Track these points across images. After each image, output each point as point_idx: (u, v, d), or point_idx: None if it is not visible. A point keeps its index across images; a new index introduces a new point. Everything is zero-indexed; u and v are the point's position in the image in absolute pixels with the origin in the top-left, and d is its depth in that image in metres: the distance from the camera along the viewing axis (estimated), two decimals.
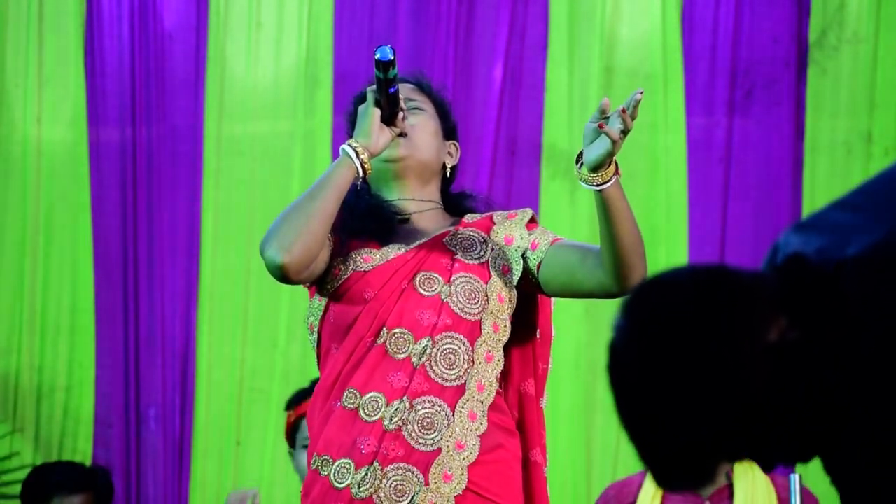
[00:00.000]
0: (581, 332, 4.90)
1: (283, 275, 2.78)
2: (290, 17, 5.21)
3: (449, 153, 3.09)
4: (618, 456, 4.90)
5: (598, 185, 2.78)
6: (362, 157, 2.83)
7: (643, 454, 1.59)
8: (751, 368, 1.52)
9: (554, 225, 5.01)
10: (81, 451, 5.16)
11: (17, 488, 4.77)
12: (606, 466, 4.91)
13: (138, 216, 5.21)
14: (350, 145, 2.84)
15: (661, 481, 1.62)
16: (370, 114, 2.86)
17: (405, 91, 3.00)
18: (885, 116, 4.90)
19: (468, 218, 3.02)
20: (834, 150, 4.94)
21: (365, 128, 2.86)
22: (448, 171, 3.08)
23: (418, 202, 3.00)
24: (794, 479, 3.36)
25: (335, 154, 5.15)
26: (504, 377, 2.98)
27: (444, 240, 2.94)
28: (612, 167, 2.82)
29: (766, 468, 1.66)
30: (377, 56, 2.80)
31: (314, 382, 4.15)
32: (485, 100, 5.09)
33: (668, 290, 1.58)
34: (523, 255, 2.95)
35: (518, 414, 2.99)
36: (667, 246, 4.94)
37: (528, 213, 3.04)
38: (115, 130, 5.26)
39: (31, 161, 5.26)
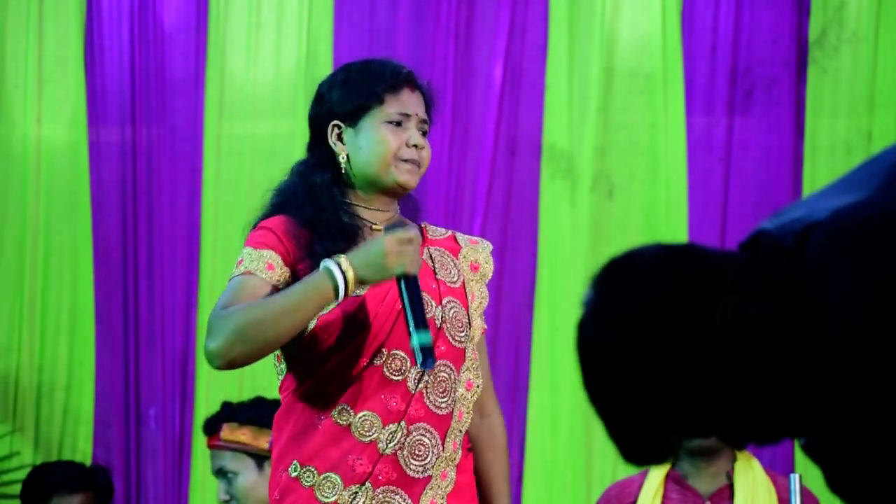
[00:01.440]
0: None
1: (225, 369, 2.76)
2: (290, 17, 5.21)
3: None
4: (618, 456, 4.89)
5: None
6: (348, 290, 2.72)
7: (610, 430, 1.61)
8: (714, 344, 1.53)
9: (554, 225, 5.02)
10: (81, 451, 5.16)
11: (17, 488, 4.77)
12: (606, 466, 4.91)
13: (138, 216, 5.21)
14: (344, 272, 2.72)
15: (626, 457, 1.64)
16: (381, 251, 2.73)
17: (422, 106, 2.98)
18: (885, 116, 4.90)
19: (430, 233, 3.02)
20: (834, 150, 4.94)
21: (372, 261, 2.73)
22: None
23: (391, 212, 2.98)
24: (795, 478, 3.36)
25: None
26: None
27: (423, 257, 2.93)
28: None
29: (736, 445, 1.67)
30: (417, 345, 2.72)
31: (225, 405, 4.17)
32: (485, 100, 5.09)
33: (636, 267, 1.60)
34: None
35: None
36: None
37: (489, 243, 3.07)
38: (115, 130, 5.26)
39: (31, 161, 5.26)
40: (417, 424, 2.84)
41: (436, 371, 2.86)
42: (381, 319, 2.84)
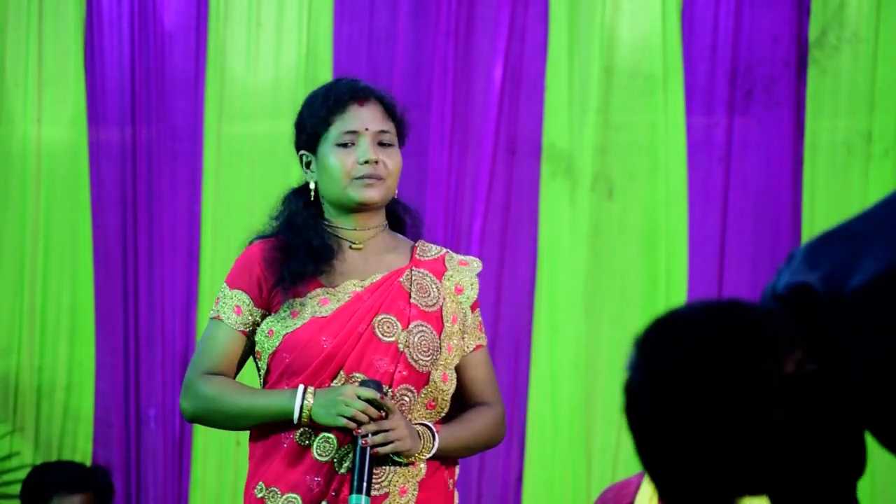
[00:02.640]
0: (581, 333, 4.90)
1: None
2: (290, 17, 5.21)
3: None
4: (618, 456, 4.90)
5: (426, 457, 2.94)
6: (303, 415, 2.86)
7: (665, 493, 1.58)
8: (769, 403, 1.50)
9: (554, 225, 5.02)
10: (81, 450, 5.16)
11: (17, 488, 4.77)
12: (606, 466, 4.91)
13: (138, 216, 5.21)
14: (303, 405, 2.85)
15: None
16: (335, 399, 2.84)
17: (377, 117, 3.01)
18: (885, 116, 4.90)
19: (420, 253, 3.05)
20: (834, 150, 4.94)
21: (326, 403, 2.84)
22: None
23: (372, 230, 3.03)
24: None
25: None
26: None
27: (401, 279, 2.97)
28: (424, 451, 2.94)
29: None
30: None
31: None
32: (485, 100, 5.09)
33: (681, 326, 1.57)
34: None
35: None
36: (667, 246, 4.94)
37: (478, 263, 3.09)
38: (115, 130, 5.26)
39: (31, 161, 5.26)
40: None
41: (397, 395, 2.91)
42: (340, 342, 2.88)
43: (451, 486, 3.07)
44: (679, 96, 4.99)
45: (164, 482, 5.16)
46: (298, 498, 2.87)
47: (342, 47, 5.17)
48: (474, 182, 5.07)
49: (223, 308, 2.98)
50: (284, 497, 2.89)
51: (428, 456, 2.92)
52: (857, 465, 1.59)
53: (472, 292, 3.04)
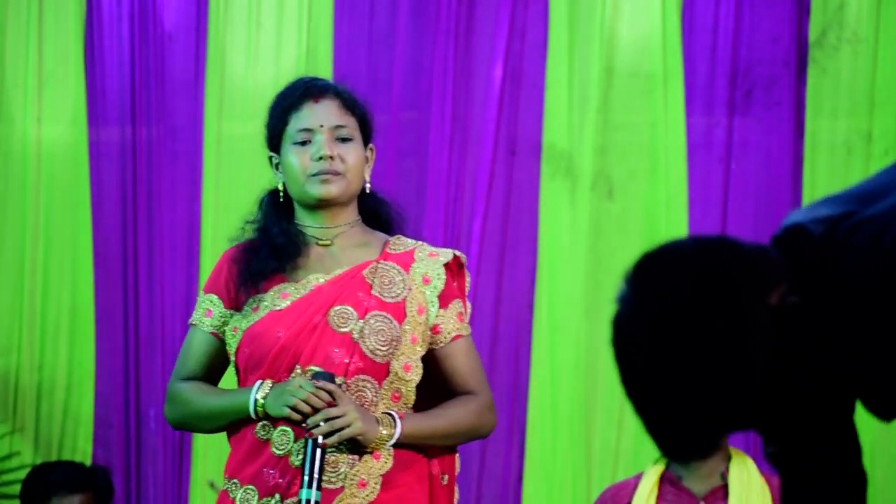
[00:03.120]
0: (581, 332, 4.90)
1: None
2: (290, 17, 5.21)
3: (367, 158, 3.09)
4: (618, 456, 4.90)
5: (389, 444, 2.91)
6: (258, 409, 2.89)
7: (650, 426, 1.60)
8: (754, 334, 1.52)
9: (554, 225, 5.02)
10: (81, 450, 5.16)
11: (16, 488, 4.77)
12: (606, 466, 4.91)
13: (138, 216, 5.21)
14: (257, 398, 2.89)
15: (668, 452, 1.62)
16: (283, 390, 2.86)
17: (333, 112, 3.00)
18: (885, 116, 4.90)
19: (392, 247, 3.04)
20: (834, 150, 4.94)
21: (276, 394, 2.87)
22: (366, 179, 3.09)
23: (341, 226, 3.03)
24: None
25: None
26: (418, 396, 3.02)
27: (365, 272, 2.98)
28: (384, 437, 2.91)
29: (780, 442, 1.66)
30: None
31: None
32: (485, 100, 5.09)
33: (672, 262, 1.59)
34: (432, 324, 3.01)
35: None
36: None
37: (449, 253, 3.06)
38: (115, 130, 5.26)
39: (31, 161, 5.26)
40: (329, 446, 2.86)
41: (354, 386, 2.90)
42: (295, 333, 2.90)
43: (444, 481, 3.04)
44: (679, 96, 4.99)
45: (164, 482, 5.16)
46: (255, 490, 2.88)
47: (342, 47, 5.17)
48: (474, 182, 5.07)
49: (197, 313, 3.05)
50: (243, 489, 2.90)
51: (390, 443, 2.89)
52: (848, 398, 1.60)
53: (438, 282, 3.01)
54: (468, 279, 3.15)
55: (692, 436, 1.59)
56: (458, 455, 3.14)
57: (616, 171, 5.03)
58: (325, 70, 5.14)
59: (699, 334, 1.54)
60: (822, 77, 4.94)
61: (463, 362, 3.03)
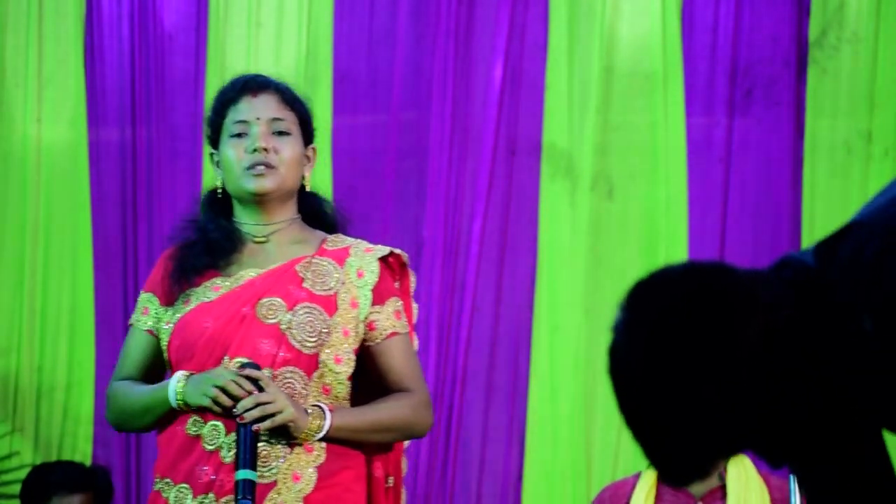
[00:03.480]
0: (581, 333, 4.89)
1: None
2: (290, 17, 5.20)
3: (307, 158, 3.06)
4: (618, 456, 4.90)
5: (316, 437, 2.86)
6: (179, 400, 2.88)
7: (648, 451, 1.60)
8: (749, 356, 1.53)
9: (554, 225, 5.02)
10: (81, 450, 5.16)
11: (16, 488, 4.77)
12: (606, 466, 4.90)
13: (138, 216, 5.21)
14: (177, 392, 2.88)
15: (667, 477, 1.63)
16: (204, 378, 2.85)
17: (271, 106, 2.99)
18: (885, 116, 4.90)
19: (328, 244, 3.02)
20: (834, 150, 4.94)
21: (196, 382, 2.86)
22: (305, 177, 3.06)
23: (278, 223, 3.00)
24: (795, 479, 3.35)
25: (335, 154, 5.16)
26: (355, 393, 2.98)
27: (298, 266, 2.95)
28: (314, 427, 2.86)
29: (774, 465, 1.66)
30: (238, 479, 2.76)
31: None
32: (485, 100, 5.09)
33: (667, 288, 1.59)
34: (365, 318, 2.96)
35: None
36: (667, 246, 4.94)
37: (385, 249, 3.03)
38: (115, 130, 5.25)
39: (31, 161, 5.25)
40: (261, 432, 2.82)
41: (280, 377, 2.86)
42: (223, 325, 2.88)
43: (389, 483, 3.01)
44: (679, 96, 4.99)
45: None
46: (189, 489, 2.85)
47: (342, 47, 5.17)
48: (474, 182, 5.07)
49: (135, 312, 3.05)
50: (176, 488, 2.87)
51: (319, 436, 2.84)
52: (855, 416, 1.60)
53: (372, 276, 2.97)
54: (413, 279, 3.10)
55: (688, 460, 1.59)
56: (404, 457, 3.09)
57: (616, 171, 5.03)
58: (325, 70, 5.14)
59: (693, 357, 1.54)
60: (822, 77, 4.94)
61: (399, 360, 2.98)
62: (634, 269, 4.95)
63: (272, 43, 5.21)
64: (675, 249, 4.94)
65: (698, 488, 3.90)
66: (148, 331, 3.01)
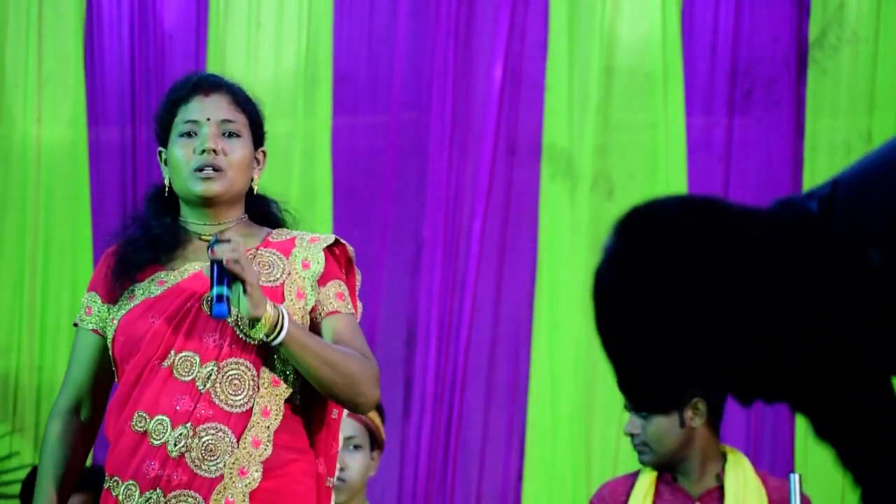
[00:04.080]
0: (581, 332, 4.89)
1: None
2: (290, 17, 5.21)
3: (256, 161, 3.02)
4: (618, 456, 4.90)
5: (270, 341, 2.80)
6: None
7: (620, 375, 1.62)
8: (729, 292, 1.54)
9: (554, 225, 5.02)
10: None
11: (16, 488, 4.77)
12: (606, 466, 4.91)
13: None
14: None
15: (635, 403, 1.65)
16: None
17: (222, 107, 2.95)
18: (885, 116, 4.90)
19: (273, 236, 2.98)
20: (834, 150, 4.94)
21: None
22: (254, 179, 3.01)
23: (225, 223, 2.97)
24: (794, 479, 3.35)
25: (335, 154, 5.17)
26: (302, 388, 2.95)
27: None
28: (271, 318, 2.80)
29: (745, 401, 1.67)
30: (213, 313, 2.75)
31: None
32: (485, 100, 5.09)
33: (659, 216, 1.61)
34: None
35: (310, 423, 2.97)
36: None
37: (330, 238, 2.99)
38: (115, 130, 5.26)
39: (31, 161, 5.26)
40: (206, 425, 2.81)
41: (225, 369, 2.83)
42: (168, 319, 2.85)
43: (329, 483, 2.98)
44: (679, 96, 4.99)
45: None
46: (136, 485, 2.84)
47: (342, 47, 5.17)
48: (474, 182, 5.07)
49: (80, 313, 2.99)
50: (125, 485, 2.86)
51: (276, 335, 2.77)
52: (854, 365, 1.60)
53: (318, 267, 2.92)
54: (359, 277, 3.05)
55: (660, 390, 1.60)
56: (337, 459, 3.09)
57: (616, 171, 5.03)
58: (325, 70, 5.14)
59: (673, 286, 1.55)
60: (822, 77, 4.94)
61: (345, 333, 2.91)
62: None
63: (272, 43, 5.21)
64: None
65: (696, 488, 3.90)
66: (93, 330, 2.96)
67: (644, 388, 1.61)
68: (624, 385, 1.63)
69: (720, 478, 3.89)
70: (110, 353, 2.94)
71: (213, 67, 5.19)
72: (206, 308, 2.82)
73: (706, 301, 1.55)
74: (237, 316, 2.80)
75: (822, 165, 4.93)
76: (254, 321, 2.77)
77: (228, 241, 2.77)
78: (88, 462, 5.05)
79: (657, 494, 3.90)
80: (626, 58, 5.05)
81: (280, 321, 2.78)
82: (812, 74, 4.95)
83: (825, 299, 1.56)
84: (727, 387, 1.62)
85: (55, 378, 5.20)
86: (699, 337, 1.55)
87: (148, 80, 5.24)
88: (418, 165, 5.10)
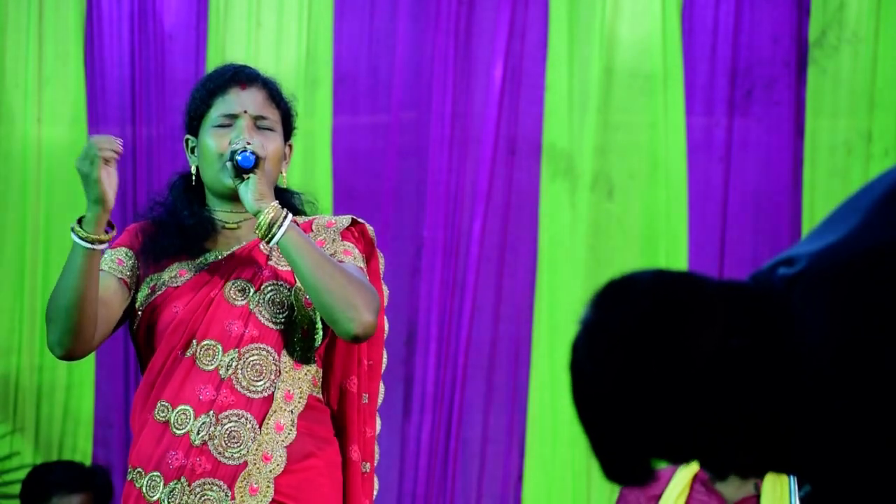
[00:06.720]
0: None
1: (69, 360, 2.89)
2: (290, 17, 5.21)
3: (284, 155, 3.04)
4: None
5: (271, 235, 2.83)
6: (91, 242, 2.83)
7: (593, 446, 1.63)
8: (696, 372, 1.55)
9: (554, 225, 5.02)
10: (81, 451, 5.16)
11: (16, 488, 4.77)
12: None
13: (138, 216, 5.21)
14: (78, 235, 2.85)
15: (607, 474, 1.66)
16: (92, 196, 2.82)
17: (258, 101, 2.98)
18: (885, 116, 4.90)
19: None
20: (834, 150, 4.94)
21: (90, 219, 2.84)
22: (282, 172, 3.04)
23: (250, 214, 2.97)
24: (794, 479, 3.35)
25: (335, 154, 5.17)
26: (326, 375, 2.97)
27: (261, 245, 2.93)
28: (274, 213, 2.83)
29: (717, 474, 1.68)
30: (238, 159, 2.82)
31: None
32: (485, 100, 5.09)
33: (631, 291, 1.62)
34: None
35: (338, 409, 2.98)
36: (667, 246, 4.94)
37: (347, 219, 3.00)
38: (115, 130, 5.25)
39: (31, 161, 5.26)
40: (228, 412, 2.83)
41: (246, 355, 2.85)
42: (191, 309, 2.87)
43: (365, 469, 3.00)
44: (679, 96, 4.99)
45: None
46: (160, 476, 2.84)
47: (342, 47, 5.18)
48: (474, 182, 5.07)
49: (105, 263, 2.94)
50: (148, 476, 2.85)
51: (277, 231, 2.80)
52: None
53: (334, 246, 2.94)
54: (381, 260, 3.05)
55: (628, 461, 1.62)
56: (377, 444, 3.08)
57: (616, 171, 5.03)
58: (325, 70, 5.14)
59: (641, 363, 1.57)
60: (822, 77, 4.94)
61: (350, 267, 2.92)
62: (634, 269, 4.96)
63: (272, 43, 5.22)
64: (675, 249, 4.94)
65: (732, 494, 3.90)
66: (122, 279, 2.94)
67: (616, 460, 1.63)
68: (597, 455, 1.64)
69: (758, 487, 3.89)
70: (133, 338, 2.96)
71: (212, 67, 5.18)
72: (228, 167, 2.87)
73: (672, 373, 1.56)
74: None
75: (822, 165, 4.93)
76: (256, 215, 2.82)
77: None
78: (88, 462, 5.07)
79: (691, 495, 3.89)
80: (626, 58, 5.05)
81: (281, 219, 2.80)
82: (812, 74, 4.95)
83: (774, 387, 1.57)
84: (699, 459, 1.63)
85: (55, 378, 5.20)
86: (666, 414, 1.57)
87: (148, 80, 5.24)
88: (418, 165, 5.10)
